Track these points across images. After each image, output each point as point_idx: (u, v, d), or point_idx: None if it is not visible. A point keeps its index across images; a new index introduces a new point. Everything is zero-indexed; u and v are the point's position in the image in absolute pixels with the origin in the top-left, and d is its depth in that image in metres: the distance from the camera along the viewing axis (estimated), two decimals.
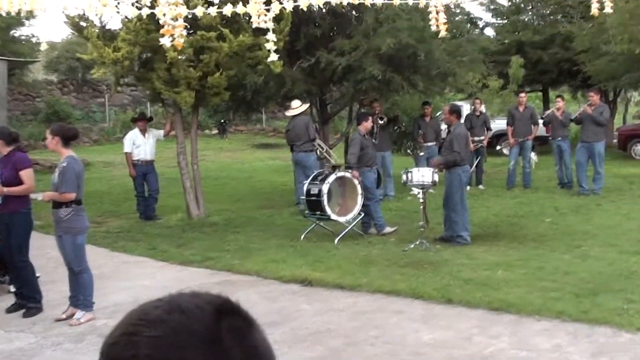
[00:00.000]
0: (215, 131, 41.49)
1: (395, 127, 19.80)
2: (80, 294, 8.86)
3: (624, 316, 7.73)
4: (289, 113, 16.63)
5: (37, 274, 9.56)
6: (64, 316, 8.86)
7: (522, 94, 20.27)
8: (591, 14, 7.76)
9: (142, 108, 38.24)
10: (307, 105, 16.42)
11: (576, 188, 17.81)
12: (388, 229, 13.69)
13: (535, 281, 9.49)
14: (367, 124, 14.04)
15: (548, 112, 20.37)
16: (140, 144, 16.07)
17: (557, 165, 19.02)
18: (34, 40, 34.76)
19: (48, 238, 12.08)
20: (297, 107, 16.07)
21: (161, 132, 16.71)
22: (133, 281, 10.81)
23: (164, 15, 5.74)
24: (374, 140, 15.89)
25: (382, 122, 17.77)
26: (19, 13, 5.75)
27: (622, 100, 39.18)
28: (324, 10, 15.72)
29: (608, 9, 7.43)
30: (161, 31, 5.91)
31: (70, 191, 8.53)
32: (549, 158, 20.90)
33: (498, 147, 25.87)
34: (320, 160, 16.57)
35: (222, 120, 39.48)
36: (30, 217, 9.44)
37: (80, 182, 8.67)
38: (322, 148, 16.97)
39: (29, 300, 9.23)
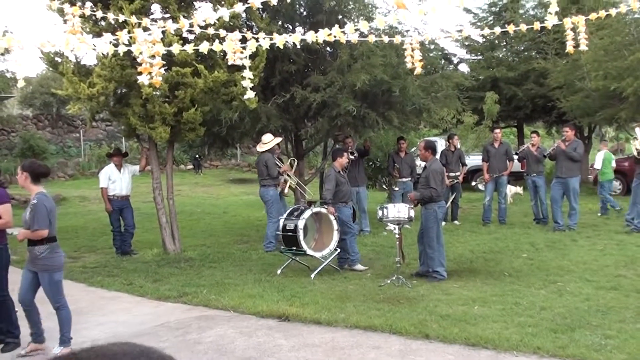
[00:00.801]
0: (190, 166, 41.52)
1: (368, 157, 19.84)
2: (60, 329, 8.82)
3: (601, 352, 7.74)
4: (259, 149, 16.68)
5: (15, 309, 9.48)
6: (23, 352, 8.83)
7: (497, 130, 20.38)
8: (567, 51, 7.81)
9: (117, 143, 38.29)
10: (278, 139, 16.40)
11: (551, 224, 17.88)
12: (360, 267, 13.68)
13: (512, 317, 9.49)
14: (342, 160, 14.06)
15: (523, 147, 20.47)
16: (116, 179, 16.04)
17: (533, 200, 19.14)
18: (8, 75, 34.66)
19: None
20: (268, 142, 16.09)
21: (137, 168, 16.69)
22: (110, 316, 10.74)
23: (141, 53, 5.75)
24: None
25: (354, 157, 17.81)
26: None
27: (597, 136, 39.50)
28: (298, 47, 15.79)
29: (583, 47, 7.49)
30: (139, 69, 5.91)
31: (42, 228, 8.48)
32: (525, 194, 21.03)
33: (473, 183, 25.98)
34: (281, 194, 16.62)
35: (197, 156, 39.56)
36: (7, 252, 9.41)
37: (52, 218, 8.62)
38: (292, 180, 17.05)
39: (7, 335, 9.16)
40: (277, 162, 16.44)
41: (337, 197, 13.69)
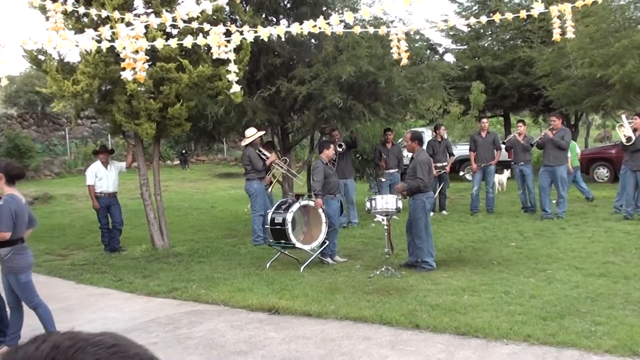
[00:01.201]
0: (177, 162, 41.48)
1: (355, 150, 19.84)
2: (43, 327, 8.79)
3: (591, 339, 7.75)
4: (242, 143, 16.69)
5: (7, 309, 9.47)
6: None
7: (485, 120, 20.34)
8: (553, 39, 7.80)
9: (102, 140, 38.19)
10: (260, 133, 16.36)
11: (540, 212, 17.90)
12: (338, 259, 13.69)
13: (502, 305, 9.50)
14: (329, 152, 14.01)
15: (510, 136, 20.47)
16: (103, 177, 15.99)
17: (520, 189, 19.15)
18: None
19: None
20: (250, 135, 16.07)
21: (123, 164, 16.64)
22: (100, 313, 10.72)
23: (124, 48, 5.72)
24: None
25: (342, 149, 17.82)
26: None
27: (583, 123, 39.55)
28: (283, 39, 15.76)
29: (570, 34, 7.49)
30: (122, 64, 5.88)
31: (3, 230, 8.43)
32: (512, 183, 21.05)
33: (461, 173, 25.95)
34: (267, 186, 16.61)
35: (184, 151, 39.52)
36: None
37: (19, 220, 8.54)
38: (281, 167, 17.04)
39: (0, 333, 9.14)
40: (262, 155, 16.39)
41: (325, 189, 13.67)
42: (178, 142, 34.55)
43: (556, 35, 7.63)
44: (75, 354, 1.28)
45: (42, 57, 14.52)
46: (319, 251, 13.34)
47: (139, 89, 13.73)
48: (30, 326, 8.99)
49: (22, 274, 8.68)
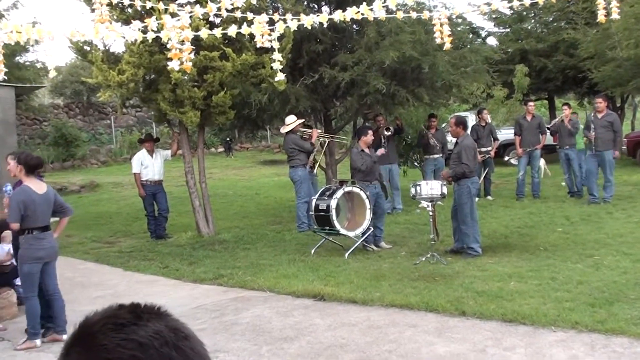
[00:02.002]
0: (221, 149, 41.60)
1: (401, 135, 19.78)
2: (27, 322, 8.91)
3: None
4: (282, 130, 16.70)
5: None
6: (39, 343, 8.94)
7: (531, 103, 20.07)
8: (597, 20, 7.72)
9: (147, 129, 38.47)
10: (300, 121, 16.33)
11: (587, 197, 17.71)
12: (383, 245, 13.73)
13: (549, 291, 9.44)
14: (367, 138, 13.92)
15: (555, 121, 20.24)
16: (149, 165, 16.13)
17: (566, 174, 18.95)
18: (38, 65, 34.87)
19: (61, 259, 12.07)
20: (290, 123, 16.08)
21: (168, 152, 16.75)
22: (147, 300, 10.61)
23: (170, 39, 5.74)
24: (383, 151, 15.83)
25: (390, 132, 17.79)
26: (26, 42, 5.77)
27: (629, 106, 39.02)
28: (325, 26, 15.74)
29: (615, 15, 7.38)
30: (169, 55, 5.90)
31: (11, 221, 8.55)
32: (557, 167, 20.87)
33: (506, 158, 25.75)
34: (311, 169, 16.60)
35: (228, 138, 39.59)
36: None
37: (29, 212, 8.60)
38: (326, 139, 17.06)
39: (48, 320, 9.25)
40: (305, 135, 16.35)
41: (360, 175, 13.67)
42: (222, 129, 34.60)
43: (601, 17, 7.54)
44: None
45: (87, 48, 14.65)
46: (363, 238, 13.32)
47: (183, 77, 13.79)
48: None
49: (26, 264, 8.75)
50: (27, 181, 8.73)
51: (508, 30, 34.33)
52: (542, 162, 21.12)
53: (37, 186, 8.79)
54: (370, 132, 14.21)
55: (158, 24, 5.86)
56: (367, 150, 13.89)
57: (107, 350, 1.34)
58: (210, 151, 39.98)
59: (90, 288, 11.92)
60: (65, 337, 8.88)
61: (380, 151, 14.71)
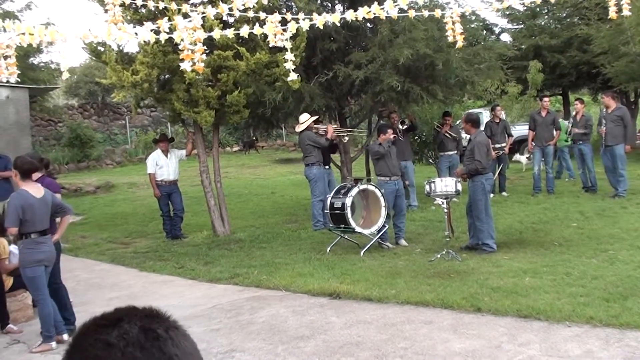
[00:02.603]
0: (237, 148, 41.69)
1: (414, 132, 19.78)
2: (41, 326, 8.93)
3: None
4: (297, 129, 16.74)
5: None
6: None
7: (546, 99, 20.02)
8: (609, 17, 7.73)
9: (162, 128, 38.56)
10: (313, 118, 16.33)
11: (602, 192, 17.65)
12: (403, 242, 13.75)
13: (564, 287, 9.45)
14: (386, 136, 14.00)
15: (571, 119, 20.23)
16: (163, 165, 16.17)
17: (580, 169, 18.92)
18: (52, 66, 35.02)
19: (76, 261, 12.21)
20: (304, 121, 16.12)
21: (183, 152, 16.81)
22: (163, 300, 10.86)
23: (182, 40, 5.78)
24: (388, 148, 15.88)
25: (405, 126, 17.86)
26: (39, 44, 5.82)
27: None
28: (338, 24, 15.75)
29: (626, 12, 7.40)
30: (181, 56, 5.95)
31: (9, 226, 8.57)
32: (572, 162, 20.84)
33: (517, 156, 25.67)
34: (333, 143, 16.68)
35: (254, 137, 39.72)
36: (59, 241, 9.53)
37: (28, 216, 8.59)
38: (343, 133, 17.08)
39: (65, 321, 9.30)
40: (320, 131, 16.37)
41: (382, 163, 13.73)
42: (237, 128, 34.63)
43: (612, 13, 7.55)
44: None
45: (101, 49, 14.70)
46: (379, 235, 13.35)
47: (197, 77, 13.83)
48: None
49: (27, 268, 8.74)
50: (23, 185, 8.74)
51: (521, 26, 34.36)
52: (523, 158, 21.04)
53: (34, 190, 8.79)
54: (390, 130, 14.28)
55: (170, 24, 5.90)
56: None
57: (79, 350, 1.41)
58: (226, 150, 40.05)
59: (105, 289, 11.97)
60: (66, 336, 8.96)
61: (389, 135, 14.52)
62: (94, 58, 16.24)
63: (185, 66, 5.86)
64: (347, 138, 17.41)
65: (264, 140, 42.55)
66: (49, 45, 6.31)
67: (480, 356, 7.21)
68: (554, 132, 19.41)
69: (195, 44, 5.82)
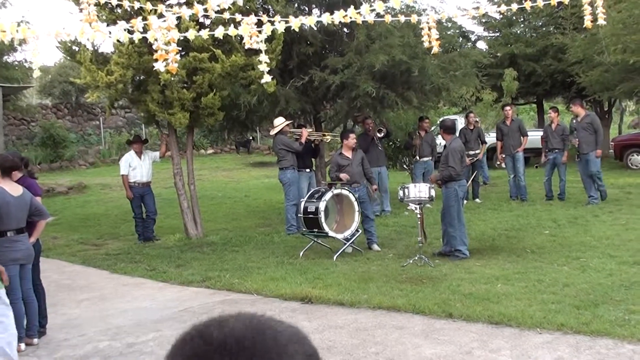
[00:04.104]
0: (210, 150, 41.77)
1: (388, 138, 19.79)
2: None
3: (625, 327, 7.72)
4: (271, 132, 16.75)
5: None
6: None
7: (508, 107, 20.31)
8: (584, 26, 7.77)
9: (136, 130, 38.38)
10: (287, 122, 16.28)
11: (571, 200, 17.77)
12: (375, 247, 13.76)
13: (535, 294, 9.48)
14: (348, 142, 14.04)
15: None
16: (137, 166, 16.09)
17: (546, 177, 18.93)
18: (26, 65, 34.79)
19: (47, 262, 12.11)
20: (278, 124, 16.10)
21: (157, 154, 16.73)
22: (134, 302, 10.82)
23: (156, 40, 5.75)
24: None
25: (382, 134, 17.93)
26: (11, 42, 5.76)
27: (617, 110, 39.26)
28: (315, 29, 15.77)
29: (601, 21, 7.44)
30: (155, 56, 5.92)
31: None
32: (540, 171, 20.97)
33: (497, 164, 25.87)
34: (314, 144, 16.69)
35: (251, 137, 40.08)
36: (39, 242, 9.47)
37: (3, 213, 8.43)
38: (317, 136, 17.09)
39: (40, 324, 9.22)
40: (295, 135, 16.37)
41: (334, 176, 13.77)
42: (212, 131, 34.56)
43: (587, 22, 7.60)
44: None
45: (76, 48, 14.62)
46: (352, 240, 13.36)
47: (172, 79, 13.78)
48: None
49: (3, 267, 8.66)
50: (2, 183, 8.67)
51: (497, 34, 34.59)
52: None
53: (12, 188, 8.71)
54: (351, 135, 14.30)
55: (144, 24, 5.87)
56: (348, 154, 13.96)
57: None
58: (200, 153, 39.96)
59: (76, 291, 11.89)
60: (36, 340, 8.88)
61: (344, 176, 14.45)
62: (68, 57, 16.14)
63: (159, 66, 5.82)
64: (329, 138, 17.43)
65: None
66: (22, 43, 6.27)
67: None
68: (521, 138, 19.51)
69: (169, 44, 5.79)
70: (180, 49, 5.95)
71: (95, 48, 14.91)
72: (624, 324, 7.86)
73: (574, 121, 17.93)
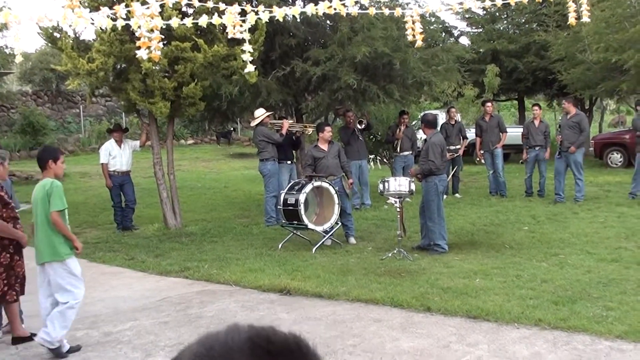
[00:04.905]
0: (191, 141, 41.67)
1: (369, 131, 19.77)
2: None
3: (602, 324, 7.76)
4: (252, 124, 16.70)
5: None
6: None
7: (489, 104, 20.32)
8: (568, 23, 7.78)
9: (117, 118, 38.17)
10: (268, 113, 16.24)
11: (552, 196, 17.84)
12: (352, 240, 13.76)
13: (513, 289, 9.51)
14: (323, 134, 14.00)
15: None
16: (116, 155, 16.02)
17: (528, 174, 18.96)
18: (7, 51, 34.49)
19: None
20: (258, 116, 16.05)
21: (137, 143, 16.66)
22: (112, 292, 10.78)
23: (139, 27, 5.71)
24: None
25: (363, 126, 17.91)
26: None
27: (597, 108, 39.40)
28: (298, 20, 15.74)
29: (585, 18, 7.45)
30: (137, 43, 5.88)
31: None
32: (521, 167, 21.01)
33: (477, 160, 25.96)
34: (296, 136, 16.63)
35: (232, 128, 39.91)
36: None
37: None
38: (298, 128, 17.08)
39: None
40: (275, 126, 16.36)
41: (316, 172, 13.73)
42: (192, 121, 34.45)
43: (571, 19, 7.60)
44: None
45: (57, 35, 14.52)
46: (331, 232, 13.36)
47: (153, 67, 13.72)
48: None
49: None
50: None
51: (480, 30, 34.62)
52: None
53: None
54: (327, 128, 14.26)
55: (128, 11, 5.83)
56: (324, 146, 13.93)
57: None
58: (180, 143, 39.85)
59: None
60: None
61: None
62: (49, 44, 16.04)
63: (142, 54, 5.79)
64: (310, 130, 17.40)
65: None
66: (3, 28, 6.20)
67: (429, 355, 7.23)
68: (500, 134, 19.55)
69: (152, 32, 5.75)
70: (163, 37, 5.91)
71: (77, 35, 14.83)
72: (601, 320, 7.89)
73: (560, 119, 17.94)
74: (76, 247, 8.32)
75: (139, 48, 5.86)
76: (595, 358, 6.92)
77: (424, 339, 7.71)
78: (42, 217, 8.13)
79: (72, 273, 8.23)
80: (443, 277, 10.37)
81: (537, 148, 18.74)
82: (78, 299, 8.16)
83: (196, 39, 13.87)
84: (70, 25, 6.10)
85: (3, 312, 8.93)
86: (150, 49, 5.77)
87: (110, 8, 5.98)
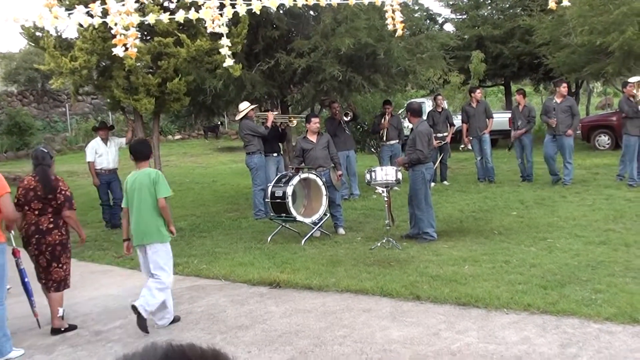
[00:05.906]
0: (178, 136, 41.62)
1: (356, 121, 19.77)
2: None
3: (591, 307, 7.77)
4: (237, 117, 16.66)
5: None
6: None
7: (478, 91, 20.30)
8: (549, 7, 7.76)
9: (103, 116, 38.11)
10: (252, 106, 16.21)
11: (539, 180, 17.87)
12: (341, 231, 13.78)
13: (502, 275, 9.51)
14: (310, 126, 13.97)
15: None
16: (103, 153, 15.99)
17: (519, 159, 19.00)
18: None
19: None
20: (243, 109, 16.01)
21: (123, 140, 16.63)
22: (101, 290, 10.77)
23: (116, 24, 5.68)
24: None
25: (349, 118, 17.92)
26: None
27: (584, 91, 39.48)
28: (281, 12, 15.70)
29: (566, 2, 7.42)
30: (113, 41, 5.85)
31: None
32: (513, 152, 21.03)
33: (461, 147, 25.97)
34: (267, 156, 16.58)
35: (219, 122, 39.90)
36: None
37: None
38: (284, 119, 17.07)
39: None
40: (260, 119, 16.34)
41: (305, 163, 13.72)
42: (179, 117, 34.42)
43: (552, 3, 7.58)
44: None
45: (39, 34, 14.47)
46: (320, 224, 13.35)
47: (137, 64, 13.69)
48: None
49: None
50: None
51: (465, 16, 34.66)
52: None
53: None
54: (314, 119, 14.21)
55: (102, 9, 5.80)
56: (312, 138, 13.91)
57: None
58: (167, 138, 39.81)
59: None
60: None
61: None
62: (32, 44, 15.98)
63: (118, 51, 5.76)
64: (294, 122, 17.39)
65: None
66: None
67: (419, 343, 7.22)
68: (487, 120, 19.56)
69: (128, 29, 5.72)
70: (139, 34, 5.88)
71: (59, 34, 14.79)
72: (590, 303, 7.91)
73: (554, 102, 17.86)
74: (171, 231, 9.12)
75: (115, 45, 5.83)
76: (584, 341, 6.92)
77: (414, 328, 7.71)
78: (148, 202, 9.07)
79: (169, 254, 8.91)
80: (432, 265, 10.38)
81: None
82: (168, 283, 8.74)
83: (179, 34, 13.83)
84: (51, 24, 6.06)
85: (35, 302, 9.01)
86: (126, 46, 5.74)
87: (86, 6, 5.94)
